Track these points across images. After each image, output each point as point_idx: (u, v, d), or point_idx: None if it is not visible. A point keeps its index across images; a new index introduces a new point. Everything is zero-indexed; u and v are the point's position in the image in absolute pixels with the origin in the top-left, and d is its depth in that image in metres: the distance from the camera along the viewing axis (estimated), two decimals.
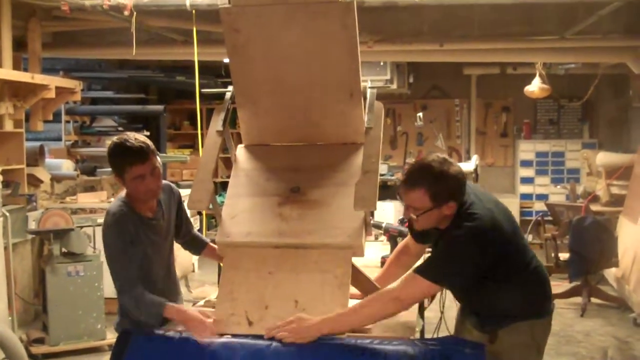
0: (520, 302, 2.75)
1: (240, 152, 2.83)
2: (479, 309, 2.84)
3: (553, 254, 7.17)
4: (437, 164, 2.57)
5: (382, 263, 3.94)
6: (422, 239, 3.03)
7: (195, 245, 3.42)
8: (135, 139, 2.81)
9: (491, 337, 2.74)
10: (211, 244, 3.37)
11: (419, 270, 2.56)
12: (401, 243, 3.29)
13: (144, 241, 2.97)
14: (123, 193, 3.04)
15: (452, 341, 2.47)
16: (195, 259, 8.04)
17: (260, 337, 2.43)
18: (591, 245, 6.98)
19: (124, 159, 2.81)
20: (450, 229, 2.62)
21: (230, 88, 2.70)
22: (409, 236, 3.15)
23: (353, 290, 2.73)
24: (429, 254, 2.76)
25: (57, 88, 6.78)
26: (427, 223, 2.66)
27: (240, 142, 2.87)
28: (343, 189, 2.61)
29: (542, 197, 10.51)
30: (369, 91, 2.63)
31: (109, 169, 9.14)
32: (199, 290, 7.53)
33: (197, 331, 2.58)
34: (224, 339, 2.44)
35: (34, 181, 7.31)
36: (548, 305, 2.90)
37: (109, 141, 9.55)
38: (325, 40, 2.44)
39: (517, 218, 9.07)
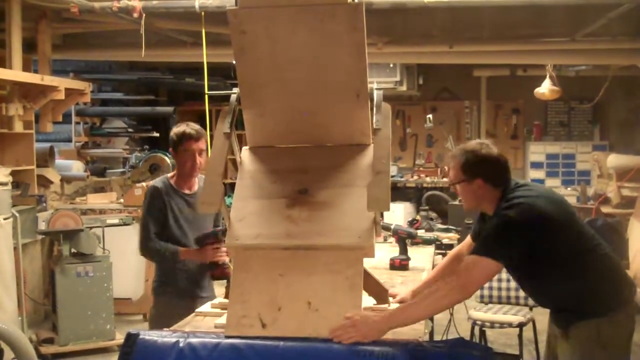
0: (584, 299, 2.84)
1: (245, 155, 2.82)
2: (550, 305, 3.02)
3: None
4: (476, 144, 2.92)
5: (391, 265, 3.93)
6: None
7: None
8: (193, 125, 3.71)
9: (564, 332, 2.90)
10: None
11: (473, 252, 2.71)
12: (454, 250, 3.38)
13: (177, 214, 3.71)
14: (169, 174, 3.87)
15: (460, 343, 2.45)
16: None
17: (272, 339, 2.42)
18: None
19: (183, 134, 3.65)
20: (495, 213, 2.81)
21: (235, 90, 2.69)
22: (462, 243, 3.32)
23: None
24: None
25: (66, 89, 6.81)
26: (466, 199, 2.94)
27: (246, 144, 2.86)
28: (351, 189, 2.60)
29: None
30: (375, 92, 2.62)
31: (119, 170, 9.27)
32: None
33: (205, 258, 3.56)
34: (230, 341, 2.43)
35: (44, 182, 7.35)
36: (618, 299, 2.93)
37: (118, 143, 9.53)
38: (333, 42, 2.43)
39: None
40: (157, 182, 3.83)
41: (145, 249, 3.71)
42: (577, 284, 2.81)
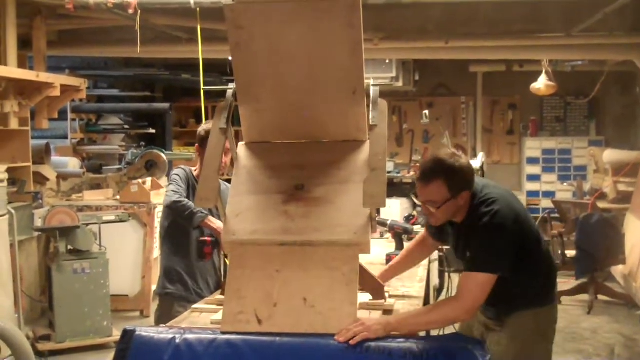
0: (527, 292, 2.82)
1: (242, 150, 2.82)
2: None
3: (560, 251, 7.15)
4: (448, 157, 2.72)
5: (387, 260, 3.93)
6: (440, 236, 3.13)
7: None
8: None
9: (498, 323, 2.87)
10: None
11: (471, 269, 2.64)
12: (419, 235, 3.34)
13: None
14: (192, 167, 4.07)
15: (455, 338, 2.47)
16: None
17: (267, 334, 2.43)
18: (598, 242, 6.96)
19: None
20: (472, 219, 2.72)
21: (232, 85, 2.69)
22: (425, 230, 3.26)
23: None
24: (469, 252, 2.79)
25: (62, 86, 6.79)
26: (445, 216, 2.78)
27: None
28: (347, 186, 2.60)
29: (548, 194, 10.48)
30: (372, 89, 2.62)
31: (115, 167, 9.26)
32: None
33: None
34: (226, 337, 2.43)
35: (40, 179, 7.34)
36: (553, 293, 2.96)
37: (114, 139, 9.53)
38: (330, 38, 2.42)
39: None
40: (180, 168, 4.04)
41: (178, 200, 3.79)
42: (529, 281, 2.82)
